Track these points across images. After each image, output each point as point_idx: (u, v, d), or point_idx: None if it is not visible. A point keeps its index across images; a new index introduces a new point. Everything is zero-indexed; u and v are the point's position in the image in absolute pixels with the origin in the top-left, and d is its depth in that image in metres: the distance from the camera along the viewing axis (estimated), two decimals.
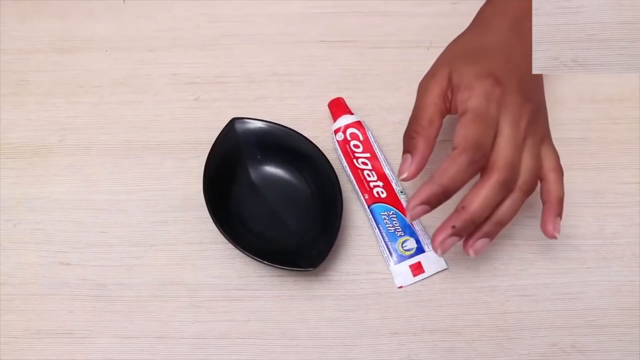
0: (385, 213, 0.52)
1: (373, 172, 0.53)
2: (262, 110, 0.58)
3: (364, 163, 0.53)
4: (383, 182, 0.53)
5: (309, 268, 0.48)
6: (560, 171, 0.47)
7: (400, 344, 0.49)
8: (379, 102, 0.58)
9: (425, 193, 0.44)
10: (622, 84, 0.58)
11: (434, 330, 0.49)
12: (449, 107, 0.47)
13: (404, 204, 0.52)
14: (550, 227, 0.46)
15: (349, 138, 0.54)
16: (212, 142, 0.52)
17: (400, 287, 0.51)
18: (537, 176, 0.46)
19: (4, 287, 0.51)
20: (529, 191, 0.45)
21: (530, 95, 0.47)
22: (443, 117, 0.46)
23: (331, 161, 0.52)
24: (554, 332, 0.49)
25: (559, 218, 0.46)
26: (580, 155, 0.56)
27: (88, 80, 0.60)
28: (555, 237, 0.46)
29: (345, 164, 0.54)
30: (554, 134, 0.56)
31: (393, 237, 0.51)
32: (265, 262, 0.48)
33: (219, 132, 0.53)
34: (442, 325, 0.50)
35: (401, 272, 0.50)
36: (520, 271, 0.51)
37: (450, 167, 0.43)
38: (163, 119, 0.58)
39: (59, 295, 0.51)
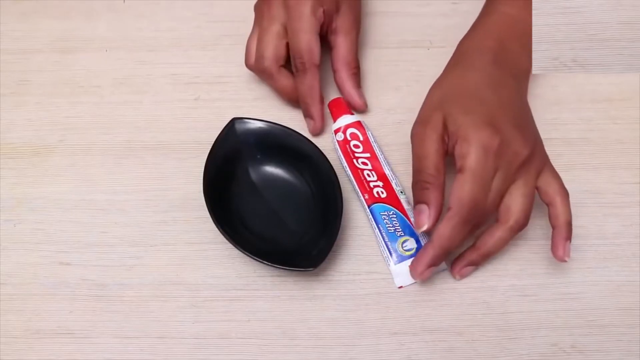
0: (385, 213, 0.52)
1: (373, 172, 0.53)
2: (262, 110, 0.58)
3: (364, 163, 0.53)
4: (383, 182, 0.53)
5: (309, 268, 0.48)
6: (565, 194, 0.48)
7: (400, 344, 0.49)
8: (379, 102, 0.58)
9: (429, 257, 0.47)
10: (622, 84, 0.58)
11: (434, 330, 0.49)
12: (446, 150, 0.47)
13: (405, 205, 0.52)
14: (560, 252, 0.48)
15: (349, 138, 0.54)
16: (212, 142, 0.52)
17: (401, 287, 0.51)
18: (529, 214, 0.48)
19: (4, 287, 0.51)
20: (519, 229, 0.48)
21: (526, 134, 0.48)
22: (445, 160, 0.47)
23: (331, 161, 0.52)
24: (554, 332, 0.49)
25: (568, 242, 0.48)
26: (580, 155, 0.56)
27: (88, 80, 0.60)
28: (565, 261, 0.48)
29: (345, 164, 0.54)
30: (555, 134, 0.57)
31: (393, 237, 0.51)
32: (265, 262, 0.48)
33: (219, 132, 0.53)
34: (442, 325, 0.50)
35: (401, 272, 0.50)
36: (520, 271, 0.51)
37: (446, 228, 0.46)
38: (163, 119, 0.58)
39: (59, 295, 0.51)
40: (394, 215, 0.52)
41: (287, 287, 0.51)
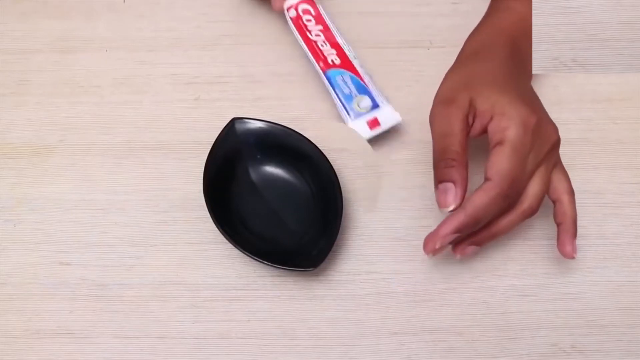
0: (340, 77, 0.55)
1: (326, 42, 0.57)
2: (262, 110, 0.58)
3: (317, 35, 0.57)
4: (336, 49, 0.57)
5: (309, 268, 0.48)
6: (572, 193, 0.48)
7: (400, 344, 0.49)
8: None
9: (457, 222, 0.44)
10: (622, 84, 0.58)
11: (434, 330, 0.49)
12: (469, 131, 0.46)
13: (358, 68, 0.56)
14: (569, 248, 0.47)
15: (301, 14, 0.58)
16: (212, 142, 0.52)
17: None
18: (542, 201, 0.47)
19: (4, 287, 0.51)
20: (530, 214, 0.47)
21: (554, 123, 0.48)
22: (468, 139, 0.46)
23: (331, 161, 0.52)
24: (554, 332, 0.49)
25: (575, 238, 0.48)
26: (580, 155, 0.56)
27: (88, 80, 0.60)
28: (573, 258, 0.48)
29: (299, 38, 0.57)
30: None
31: (349, 98, 0.54)
32: (265, 262, 0.48)
33: (219, 132, 0.53)
34: (442, 325, 0.50)
35: (359, 127, 0.53)
36: (520, 271, 0.51)
37: (483, 199, 0.44)
38: (163, 119, 0.58)
39: (59, 295, 0.51)
40: (349, 78, 0.55)
41: (287, 287, 0.51)
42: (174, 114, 0.58)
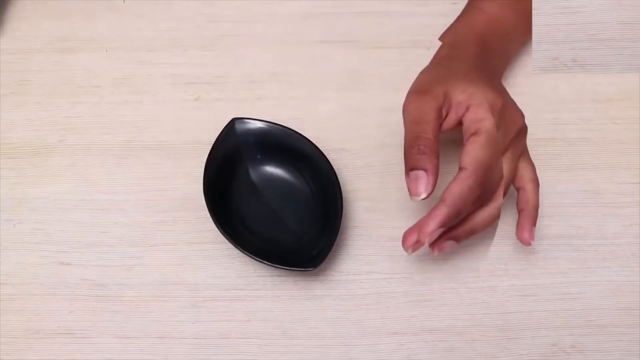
0: None
1: None
2: (262, 110, 0.58)
3: None
4: None
5: (308, 268, 0.48)
6: (537, 182, 0.49)
7: (400, 344, 0.49)
8: (379, 102, 0.58)
9: (441, 216, 0.44)
10: (622, 84, 0.58)
11: (434, 330, 0.49)
12: (441, 123, 0.47)
13: None
14: (526, 235, 0.48)
15: None
16: (212, 142, 0.52)
17: None
18: (508, 188, 0.47)
19: (4, 287, 0.51)
20: (501, 200, 0.47)
21: (520, 111, 0.48)
22: (440, 130, 0.46)
23: (331, 161, 0.52)
24: (554, 332, 0.49)
25: (534, 226, 0.48)
26: (580, 155, 0.55)
27: (88, 80, 0.60)
28: (530, 244, 0.48)
29: None
30: (555, 134, 0.57)
31: None
32: (265, 262, 0.48)
33: (219, 132, 0.53)
34: (442, 325, 0.50)
35: None
36: (520, 271, 0.51)
37: (460, 187, 0.44)
38: (163, 119, 0.58)
39: (59, 295, 0.51)
40: None
41: (287, 287, 0.51)
42: (174, 114, 0.58)
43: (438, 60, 0.52)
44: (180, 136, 0.57)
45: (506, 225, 0.53)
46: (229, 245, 0.49)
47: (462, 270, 0.51)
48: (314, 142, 0.53)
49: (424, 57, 0.57)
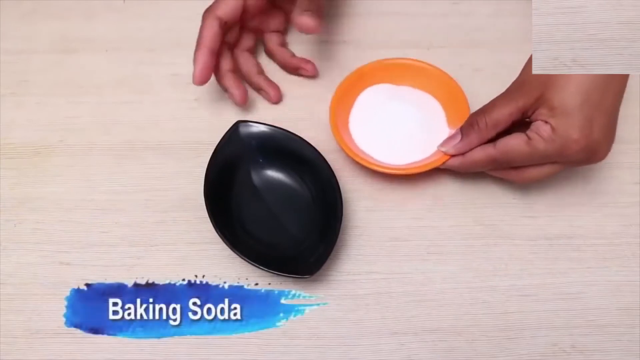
0: None
1: None
2: (261, 110, 0.58)
3: None
4: None
5: (305, 275, 0.48)
6: (522, 180, 0.50)
7: (400, 344, 0.49)
8: None
9: (454, 163, 0.51)
10: None
11: (434, 330, 0.49)
12: (520, 119, 0.48)
13: None
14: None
15: None
16: (213, 143, 0.52)
17: None
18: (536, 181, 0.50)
19: (4, 287, 0.51)
20: (519, 182, 0.51)
21: (604, 144, 0.48)
22: (509, 126, 0.48)
23: (331, 161, 0.52)
24: (554, 332, 0.49)
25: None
26: None
27: (88, 80, 0.60)
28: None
29: None
30: None
31: None
32: (263, 267, 0.48)
33: (219, 132, 0.52)
34: (442, 325, 0.50)
35: None
36: (520, 271, 0.51)
37: (480, 156, 0.49)
38: (163, 119, 0.58)
39: (59, 295, 0.51)
40: None
41: (287, 287, 0.51)
42: (174, 114, 0.58)
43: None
44: (180, 136, 0.57)
45: (506, 226, 0.53)
46: None
47: (462, 270, 0.51)
48: (313, 143, 0.53)
49: (424, 57, 0.57)
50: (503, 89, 0.50)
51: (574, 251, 0.52)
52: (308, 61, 0.58)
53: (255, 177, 0.53)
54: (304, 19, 0.51)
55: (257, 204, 0.53)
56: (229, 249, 0.49)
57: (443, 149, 0.51)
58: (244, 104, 0.56)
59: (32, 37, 0.62)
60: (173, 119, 0.58)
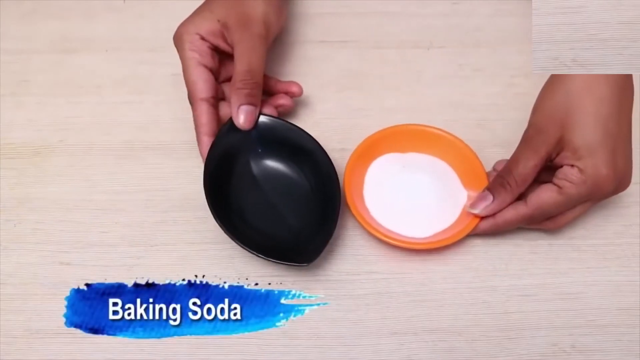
0: None
1: None
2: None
3: None
4: None
5: (303, 264, 0.48)
6: (556, 226, 0.50)
7: (400, 344, 0.49)
8: (379, 102, 0.58)
9: (486, 226, 0.50)
10: None
11: (434, 330, 0.49)
12: (546, 165, 0.48)
13: None
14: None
15: None
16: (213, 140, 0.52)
17: None
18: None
19: (4, 287, 0.51)
20: (550, 229, 0.51)
21: (628, 176, 0.49)
22: (537, 176, 0.48)
23: (331, 157, 0.52)
24: (554, 332, 0.49)
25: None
26: None
27: (88, 80, 0.60)
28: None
29: None
30: None
31: None
32: (260, 255, 0.48)
33: (219, 132, 0.52)
34: (442, 325, 0.50)
35: None
36: (520, 271, 0.51)
37: (513, 218, 0.49)
38: (163, 119, 0.58)
39: (59, 295, 0.51)
40: None
41: (287, 287, 0.51)
42: (174, 114, 0.58)
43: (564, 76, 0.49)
44: (180, 136, 0.57)
45: None
46: (229, 245, 0.49)
47: (462, 270, 0.51)
48: (314, 137, 0.53)
49: (424, 57, 0.57)
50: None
51: (574, 251, 0.52)
52: (294, 83, 0.56)
53: (254, 167, 0.53)
54: (240, 116, 0.51)
55: (256, 193, 0.53)
56: (229, 249, 0.49)
57: (476, 211, 0.49)
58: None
59: (32, 37, 0.62)
60: (173, 118, 0.58)
